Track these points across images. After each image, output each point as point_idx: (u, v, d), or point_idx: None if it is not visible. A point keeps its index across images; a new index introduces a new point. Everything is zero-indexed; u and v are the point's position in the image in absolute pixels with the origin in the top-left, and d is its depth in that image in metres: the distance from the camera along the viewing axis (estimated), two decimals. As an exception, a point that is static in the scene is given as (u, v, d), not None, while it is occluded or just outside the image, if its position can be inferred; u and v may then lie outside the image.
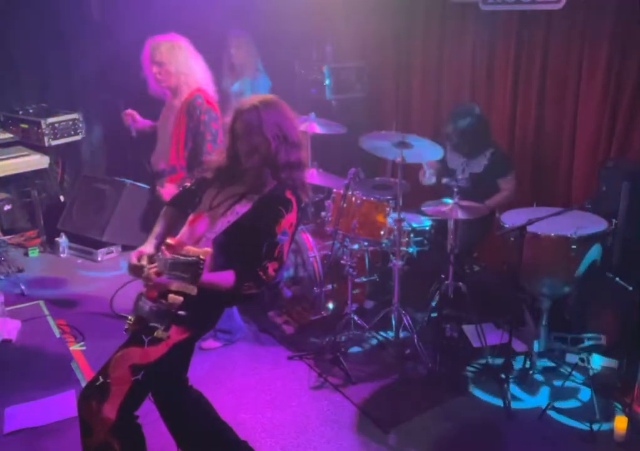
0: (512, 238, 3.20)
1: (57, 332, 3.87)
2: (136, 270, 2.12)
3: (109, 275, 4.73)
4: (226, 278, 2.07)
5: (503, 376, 3.12)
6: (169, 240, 2.04)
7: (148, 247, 2.25)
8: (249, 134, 2.18)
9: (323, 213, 3.84)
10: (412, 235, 3.58)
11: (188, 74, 3.25)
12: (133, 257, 2.16)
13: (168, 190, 3.28)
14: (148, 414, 2.20)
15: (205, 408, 2.48)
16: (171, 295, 1.92)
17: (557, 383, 3.18)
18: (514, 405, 3.08)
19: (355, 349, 3.65)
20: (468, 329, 3.66)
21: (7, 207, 4.68)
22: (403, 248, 3.50)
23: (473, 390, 3.24)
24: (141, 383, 2.06)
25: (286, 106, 2.26)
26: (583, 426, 2.90)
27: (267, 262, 2.10)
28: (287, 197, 2.19)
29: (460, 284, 3.45)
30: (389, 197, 3.70)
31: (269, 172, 2.21)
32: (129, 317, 2.11)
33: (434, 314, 3.66)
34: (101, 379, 2.03)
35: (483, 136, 3.85)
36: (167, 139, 3.33)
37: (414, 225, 3.61)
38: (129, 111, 3.58)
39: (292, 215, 2.17)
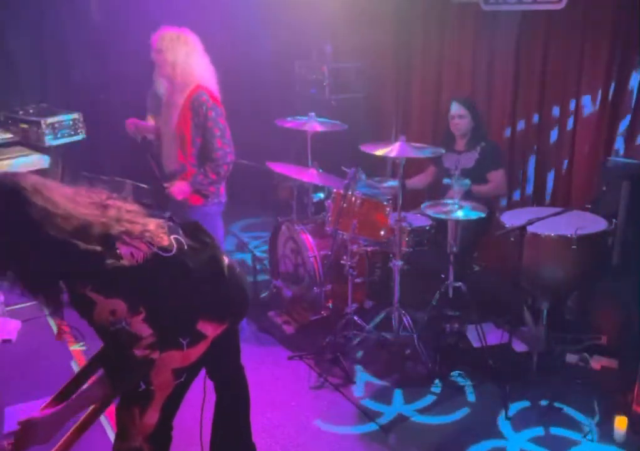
0: (512, 238, 3.20)
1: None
2: None
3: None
4: (97, 386, 1.86)
5: (502, 376, 3.13)
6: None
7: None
8: None
9: (323, 213, 3.83)
10: (412, 235, 3.58)
11: (186, 68, 3.22)
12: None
13: (178, 188, 3.27)
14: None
15: (248, 395, 2.49)
16: None
17: (557, 383, 3.18)
18: (513, 405, 3.08)
19: (355, 349, 3.65)
20: (468, 329, 3.66)
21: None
22: (403, 248, 3.50)
23: (473, 390, 3.24)
24: (183, 383, 2.00)
25: None
26: (583, 427, 2.90)
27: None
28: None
29: (460, 284, 3.45)
30: (389, 197, 3.70)
31: None
32: None
33: (434, 314, 3.65)
34: (144, 386, 1.93)
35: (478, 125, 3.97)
36: (171, 137, 3.31)
37: (414, 225, 3.61)
38: (130, 120, 3.55)
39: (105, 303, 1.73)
